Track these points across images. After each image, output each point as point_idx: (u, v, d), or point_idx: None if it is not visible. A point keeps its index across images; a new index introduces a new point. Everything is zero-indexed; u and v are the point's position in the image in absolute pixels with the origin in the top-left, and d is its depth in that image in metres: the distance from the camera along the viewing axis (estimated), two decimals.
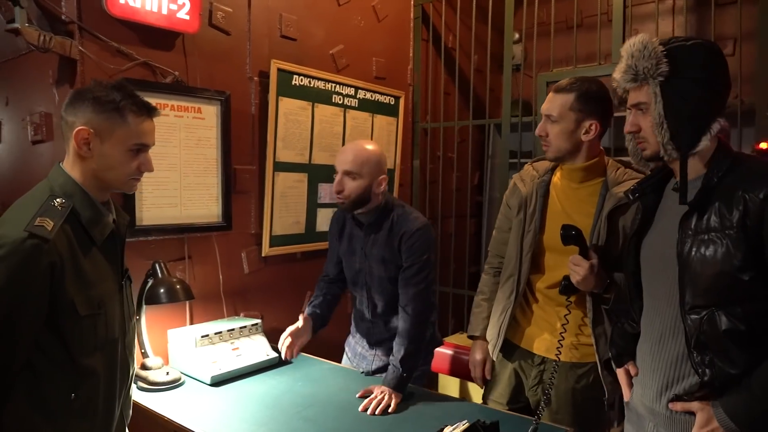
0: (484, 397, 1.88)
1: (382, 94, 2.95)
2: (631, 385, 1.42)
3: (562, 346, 1.61)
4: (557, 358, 1.61)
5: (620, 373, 1.45)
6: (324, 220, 2.69)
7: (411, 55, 3.22)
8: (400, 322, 1.79)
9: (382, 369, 1.92)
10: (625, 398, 1.43)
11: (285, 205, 2.52)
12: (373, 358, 1.99)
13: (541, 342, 1.70)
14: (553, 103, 1.61)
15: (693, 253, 1.18)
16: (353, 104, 2.78)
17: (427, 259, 1.79)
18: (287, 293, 2.59)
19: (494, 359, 1.80)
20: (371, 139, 2.90)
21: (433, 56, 3.31)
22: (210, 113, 2.19)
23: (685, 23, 2.71)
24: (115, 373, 1.30)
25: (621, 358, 1.44)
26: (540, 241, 1.69)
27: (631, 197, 1.37)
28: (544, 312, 1.71)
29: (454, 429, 1.31)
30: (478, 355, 1.85)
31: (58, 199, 1.19)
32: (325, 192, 2.71)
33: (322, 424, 1.58)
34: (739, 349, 1.14)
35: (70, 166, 1.26)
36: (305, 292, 2.67)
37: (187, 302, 2.16)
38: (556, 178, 1.72)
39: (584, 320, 1.65)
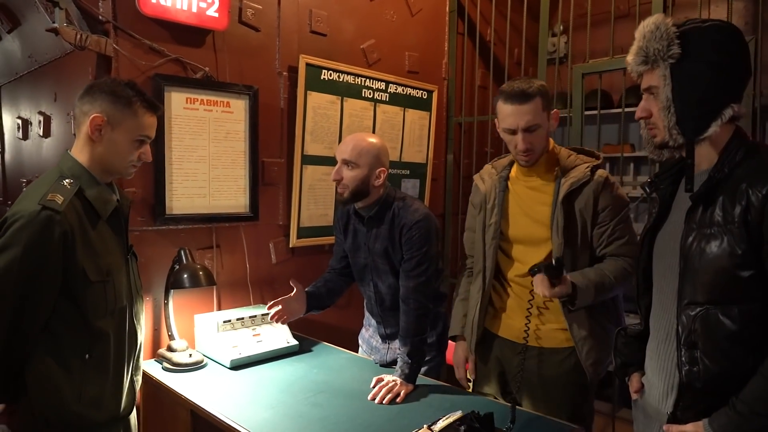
0: (474, 388, 1.88)
1: (414, 88, 2.95)
2: (637, 391, 1.38)
3: (528, 329, 1.63)
4: (525, 341, 1.63)
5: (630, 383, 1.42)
6: None
7: (446, 48, 3.20)
8: (401, 315, 1.80)
9: (396, 361, 1.92)
10: (633, 398, 1.39)
11: (313, 198, 2.57)
12: (387, 350, 2.01)
13: (519, 329, 1.70)
14: (529, 114, 1.57)
15: (694, 246, 1.14)
16: (384, 98, 2.80)
17: (426, 251, 1.79)
18: (312, 283, 2.63)
19: (473, 355, 1.83)
20: (402, 133, 2.91)
21: (468, 49, 3.28)
22: (238, 107, 2.27)
23: (728, 9, 2.54)
24: (123, 337, 1.45)
25: (626, 369, 1.40)
26: (505, 233, 1.73)
27: (647, 190, 1.33)
28: (519, 300, 1.72)
29: (446, 419, 1.31)
30: (459, 355, 1.88)
31: (66, 180, 1.35)
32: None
33: (329, 410, 1.61)
34: (728, 349, 1.10)
35: (78, 152, 1.41)
36: None
37: (215, 289, 2.26)
38: (514, 173, 1.75)
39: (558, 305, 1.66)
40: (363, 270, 1.96)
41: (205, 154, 2.19)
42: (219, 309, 2.28)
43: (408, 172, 2.99)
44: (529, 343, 1.66)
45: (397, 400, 1.68)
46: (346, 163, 1.80)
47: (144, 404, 1.97)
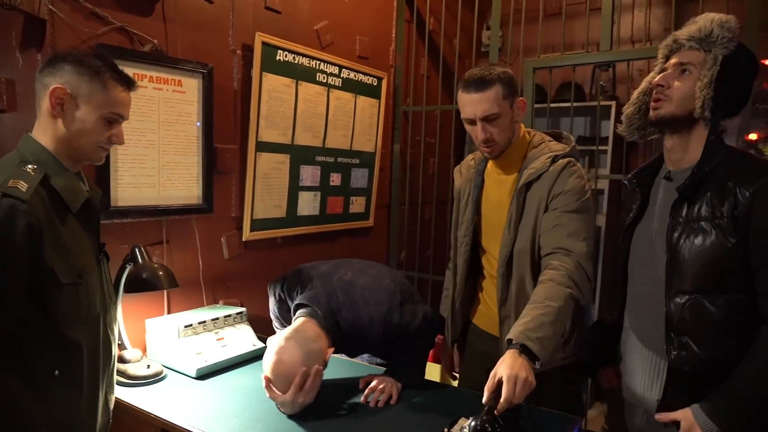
0: (460, 386, 1.85)
1: (365, 74, 2.84)
2: (612, 384, 1.45)
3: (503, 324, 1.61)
4: (499, 335, 1.62)
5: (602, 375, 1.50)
6: (306, 204, 2.58)
7: (394, 35, 3.12)
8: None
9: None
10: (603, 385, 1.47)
11: (267, 188, 2.39)
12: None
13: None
14: (486, 103, 1.49)
15: (682, 240, 1.20)
16: (337, 84, 2.66)
17: None
18: (267, 280, 2.44)
19: (451, 349, 1.83)
20: (354, 120, 2.80)
21: (415, 38, 3.22)
22: (191, 87, 2.03)
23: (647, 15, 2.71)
24: (98, 349, 1.25)
25: (599, 360, 1.46)
26: (479, 229, 1.70)
27: (628, 186, 1.38)
28: (496, 294, 1.68)
29: (471, 422, 1.25)
30: (447, 351, 1.88)
31: (30, 166, 1.15)
32: (308, 174, 2.59)
33: (325, 418, 1.49)
34: (715, 336, 1.16)
35: (40, 133, 1.20)
36: None
37: (165, 291, 2.02)
38: (489, 165, 1.71)
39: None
40: None
41: (155, 139, 1.94)
42: (170, 312, 2.05)
43: (358, 161, 2.88)
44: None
45: (391, 401, 1.60)
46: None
47: None
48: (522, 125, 1.65)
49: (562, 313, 1.32)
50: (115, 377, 1.40)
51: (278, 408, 1.52)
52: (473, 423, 1.23)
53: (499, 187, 1.66)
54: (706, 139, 1.21)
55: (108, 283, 1.34)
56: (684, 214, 1.21)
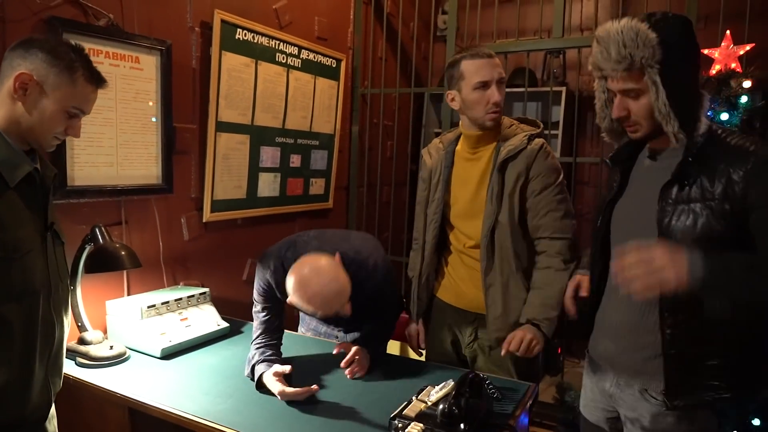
0: (428, 356, 1.94)
1: (324, 55, 2.84)
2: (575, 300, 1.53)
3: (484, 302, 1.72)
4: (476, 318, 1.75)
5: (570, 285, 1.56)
6: (265, 185, 2.58)
7: (352, 17, 3.13)
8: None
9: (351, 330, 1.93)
10: (570, 313, 1.55)
11: (227, 168, 2.37)
12: (347, 337, 1.93)
13: (470, 299, 1.77)
14: (500, 66, 1.63)
15: (674, 222, 1.22)
16: (296, 64, 2.65)
17: None
18: (228, 261, 2.46)
19: (417, 325, 1.91)
20: (313, 102, 2.80)
21: (373, 21, 3.24)
22: (149, 64, 1.98)
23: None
24: (34, 330, 1.20)
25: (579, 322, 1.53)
26: (449, 207, 1.78)
27: (609, 164, 1.42)
28: (466, 270, 1.78)
29: (440, 388, 1.32)
30: (412, 327, 1.95)
31: None
32: (267, 155, 2.58)
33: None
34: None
35: None
36: (246, 259, 2.56)
37: (125, 271, 1.98)
38: (460, 147, 1.79)
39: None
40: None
41: (112, 117, 1.89)
42: (129, 293, 2.02)
43: (317, 143, 2.89)
44: (481, 311, 1.74)
45: (360, 375, 1.65)
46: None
47: (56, 408, 1.68)
48: None
49: (561, 294, 1.59)
50: (64, 361, 1.34)
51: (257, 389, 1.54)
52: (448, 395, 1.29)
53: (471, 166, 1.74)
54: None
55: (59, 263, 1.30)
56: (674, 196, 1.23)
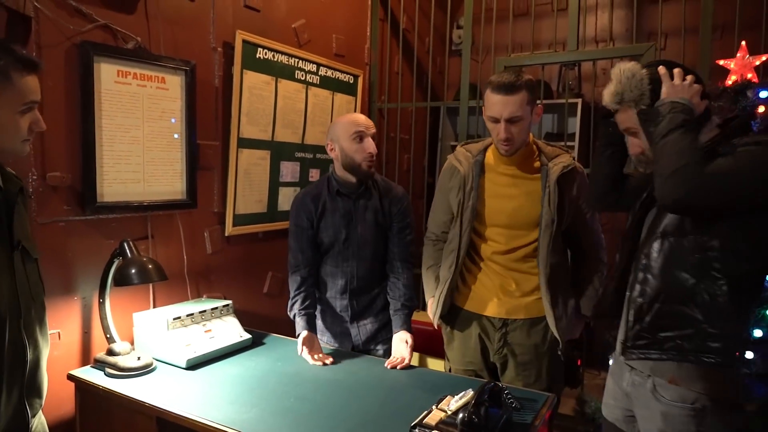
0: (450, 368, 1.98)
1: (342, 72, 2.91)
2: None
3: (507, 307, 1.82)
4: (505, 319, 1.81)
5: None
6: (285, 199, 2.63)
7: (368, 33, 3.20)
8: (402, 274, 2.00)
9: (372, 339, 2.03)
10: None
11: (248, 183, 2.43)
12: (357, 332, 2.02)
13: (499, 306, 1.82)
14: (513, 105, 1.67)
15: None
16: (315, 81, 2.72)
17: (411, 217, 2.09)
18: (249, 274, 2.52)
19: (443, 325, 1.96)
20: (331, 117, 2.86)
21: (389, 37, 3.30)
22: (174, 84, 2.06)
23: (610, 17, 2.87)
24: (1, 352, 1.16)
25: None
26: (481, 215, 1.83)
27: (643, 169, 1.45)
28: (496, 277, 1.83)
29: (460, 398, 1.35)
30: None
31: None
32: (287, 170, 2.64)
33: (318, 402, 1.56)
34: (673, 270, 1.28)
35: None
36: (267, 272, 2.61)
37: (151, 284, 2.05)
38: (490, 159, 1.86)
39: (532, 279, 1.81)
40: (344, 246, 1.97)
41: (139, 135, 1.96)
42: (155, 306, 2.08)
43: None
44: (510, 317, 1.79)
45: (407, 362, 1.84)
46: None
47: (81, 419, 1.74)
48: None
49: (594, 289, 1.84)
50: (44, 380, 1.30)
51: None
52: (469, 403, 1.32)
53: (510, 180, 1.81)
54: None
55: (31, 282, 1.25)
56: None
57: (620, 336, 1.41)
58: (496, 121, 1.70)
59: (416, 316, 2.93)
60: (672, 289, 1.28)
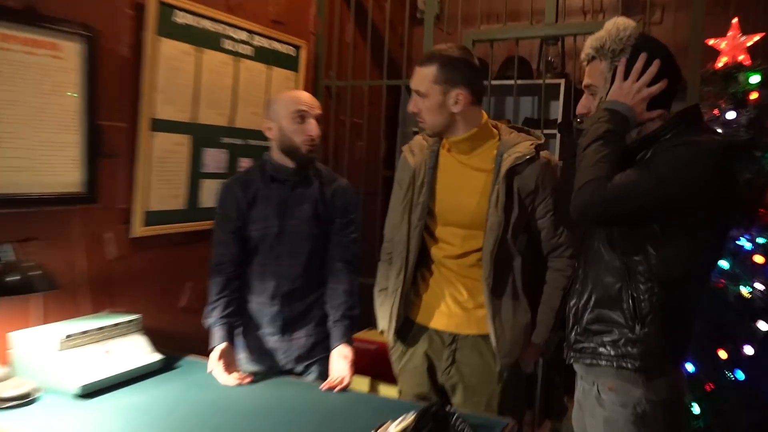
0: (401, 391, 2.07)
1: (280, 42, 2.95)
2: None
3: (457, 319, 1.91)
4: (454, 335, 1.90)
5: None
6: (209, 193, 2.66)
7: None
8: (344, 277, 2.08)
9: (305, 356, 2.09)
10: None
11: (163, 174, 2.46)
12: (289, 347, 2.07)
13: (449, 317, 1.91)
14: (417, 78, 1.84)
15: None
16: (247, 52, 2.76)
17: (357, 215, 2.18)
18: (163, 284, 2.53)
19: (392, 344, 2.04)
20: (267, 95, 2.90)
21: (340, 1, 3.36)
22: (71, 52, 2.07)
23: None
24: None
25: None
26: (433, 213, 1.92)
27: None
28: (445, 284, 1.93)
29: (399, 423, 1.41)
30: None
31: None
32: (212, 159, 2.67)
33: (242, 427, 1.61)
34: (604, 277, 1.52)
35: None
36: (185, 283, 2.63)
37: (41, 296, 2.04)
38: (446, 146, 1.95)
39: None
40: (276, 241, 2.03)
41: (25, 113, 1.97)
42: (43, 322, 2.07)
43: None
44: (460, 332, 1.87)
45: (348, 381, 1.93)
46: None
47: None
48: (484, 113, 1.91)
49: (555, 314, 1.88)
50: None
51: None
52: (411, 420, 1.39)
53: (465, 171, 1.90)
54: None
55: None
56: None
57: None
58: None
59: (366, 334, 3.01)
60: (601, 294, 1.48)
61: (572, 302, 1.58)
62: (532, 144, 1.85)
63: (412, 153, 1.99)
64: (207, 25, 2.54)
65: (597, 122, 1.44)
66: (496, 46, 3.04)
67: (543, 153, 1.87)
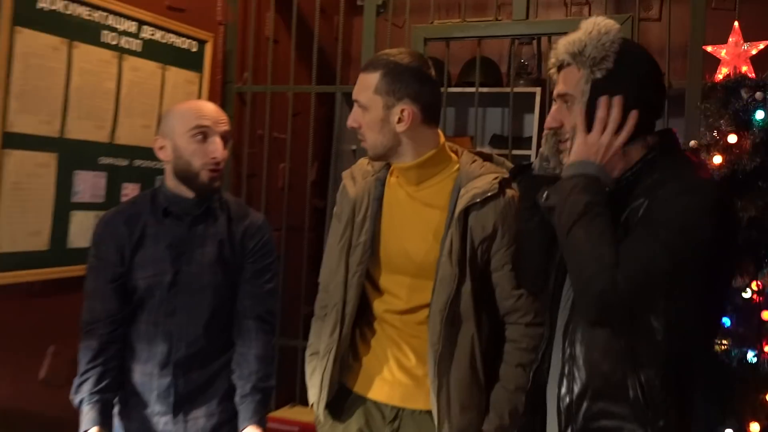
0: None
1: (179, 34, 2.99)
2: None
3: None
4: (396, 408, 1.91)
5: None
6: (82, 229, 2.64)
7: None
8: (257, 339, 2.09)
9: None
10: None
11: (18, 203, 2.44)
12: (185, 429, 2.05)
13: (391, 387, 1.93)
14: (359, 85, 1.89)
15: None
16: (135, 48, 2.79)
17: (275, 259, 2.20)
18: (16, 349, 2.49)
19: (321, 420, 2.04)
20: (161, 104, 2.92)
21: None
22: None
23: None
24: None
25: None
26: (376, 256, 1.95)
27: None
28: (389, 345, 1.95)
29: None
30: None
31: None
32: (86, 184, 2.66)
33: None
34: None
35: None
36: (47, 346, 2.59)
37: None
38: (394, 177, 2.00)
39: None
40: (169, 293, 2.02)
41: None
42: None
43: None
44: (405, 405, 1.89)
45: None
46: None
47: None
48: (441, 135, 1.97)
49: (517, 396, 1.84)
50: None
51: None
52: None
53: (414, 204, 1.94)
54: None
55: None
56: None
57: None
58: None
59: (287, 412, 3.02)
60: (600, 383, 1.49)
61: (561, 392, 1.57)
62: (496, 178, 1.87)
63: (353, 180, 2.01)
64: (82, 12, 2.56)
65: (569, 195, 1.48)
66: (455, 45, 3.14)
67: (509, 190, 1.89)
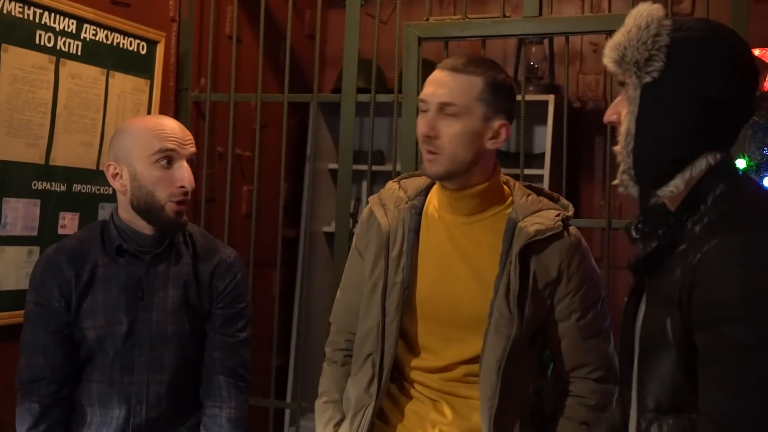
0: None
1: (125, 34, 3.01)
2: None
3: None
4: None
5: None
6: (10, 269, 2.64)
7: None
8: (229, 398, 2.11)
9: None
10: None
11: None
12: None
13: None
14: (451, 87, 1.87)
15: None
16: (74, 50, 2.81)
17: (249, 303, 2.25)
18: None
19: None
20: (104, 116, 2.93)
21: None
22: None
23: None
24: None
25: None
26: (411, 300, 1.96)
27: (633, 234, 1.60)
28: (420, 404, 1.96)
29: None
30: None
31: None
32: (15, 214, 2.65)
33: None
34: None
35: None
36: None
37: None
38: (432, 205, 2.01)
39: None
40: (125, 346, 2.02)
41: None
42: None
43: (112, 191, 2.99)
44: None
45: None
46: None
47: None
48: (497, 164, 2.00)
49: None
50: None
51: None
52: None
53: (456, 241, 1.95)
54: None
55: None
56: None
57: None
58: (425, 111, 1.88)
59: None
60: None
61: None
62: (558, 215, 1.91)
63: (384, 208, 2.01)
64: (12, 8, 2.57)
65: None
66: (453, 45, 3.17)
67: (572, 229, 1.94)
